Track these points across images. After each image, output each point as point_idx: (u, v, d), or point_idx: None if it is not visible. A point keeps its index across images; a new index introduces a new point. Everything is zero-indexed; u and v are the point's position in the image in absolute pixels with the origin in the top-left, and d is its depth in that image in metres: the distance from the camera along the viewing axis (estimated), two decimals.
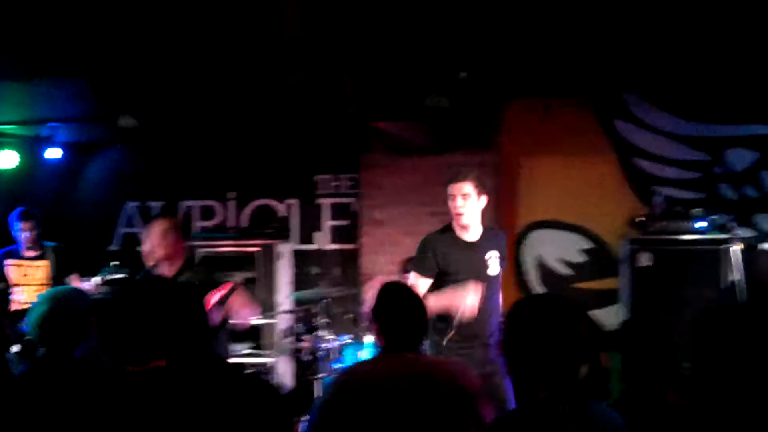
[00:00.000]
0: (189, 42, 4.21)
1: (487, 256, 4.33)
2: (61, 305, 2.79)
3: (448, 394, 2.75)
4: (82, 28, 3.79)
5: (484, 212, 4.41)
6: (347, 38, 3.59)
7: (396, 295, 2.98)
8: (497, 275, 4.38)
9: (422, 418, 2.71)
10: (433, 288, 4.33)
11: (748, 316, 2.50)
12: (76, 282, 5.92)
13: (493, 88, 5.90)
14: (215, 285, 4.35)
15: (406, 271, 6.36)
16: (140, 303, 2.18)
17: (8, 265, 6.01)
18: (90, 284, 5.79)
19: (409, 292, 3.02)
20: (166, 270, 4.50)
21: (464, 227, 4.35)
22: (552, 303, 2.25)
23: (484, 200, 4.35)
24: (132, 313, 2.17)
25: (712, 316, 2.38)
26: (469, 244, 4.36)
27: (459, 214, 4.29)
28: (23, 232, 5.88)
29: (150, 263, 4.48)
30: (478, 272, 4.28)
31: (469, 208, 4.28)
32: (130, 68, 4.00)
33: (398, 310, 2.89)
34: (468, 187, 4.27)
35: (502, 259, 4.41)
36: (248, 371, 3.15)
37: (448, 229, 4.41)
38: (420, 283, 4.29)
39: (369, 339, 5.63)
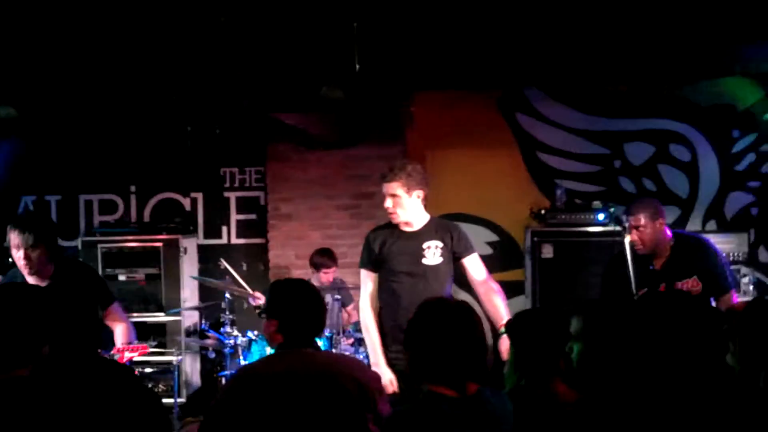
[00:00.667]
0: (81, 30, 4.04)
1: (425, 245, 4.27)
2: None
3: (345, 388, 2.72)
4: None
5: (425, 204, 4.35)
6: (242, 26, 3.52)
7: (294, 290, 2.93)
8: (436, 265, 4.28)
9: (319, 414, 2.68)
10: (380, 283, 4.35)
11: (634, 310, 2.57)
12: None
13: (397, 81, 5.89)
14: (98, 288, 4.16)
15: (313, 264, 6.34)
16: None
17: None
18: None
19: (306, 287, 2.97)
20: (34, 281, 3.94)
21: (406, 223, 4.33)
22: (451, 307, 2.40)
23: (419, 194, 4.28)
24: None
25: (598, 310, 2.43)
26: (408, 234, 4.33)
27: (391, 214, 4.29)
28: None
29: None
30: (413, 260, 4.24)
31: (401, 207, 4.24)
32: (9, 56, 3.81)
33: (297, 305, 2.84)
34: (395, 187, 4.22)
35: (448, 249, 4.31)
36: (136, 372, 3.02)
37: (391, 224, 4.38)
38: (370, 279, 4.33)
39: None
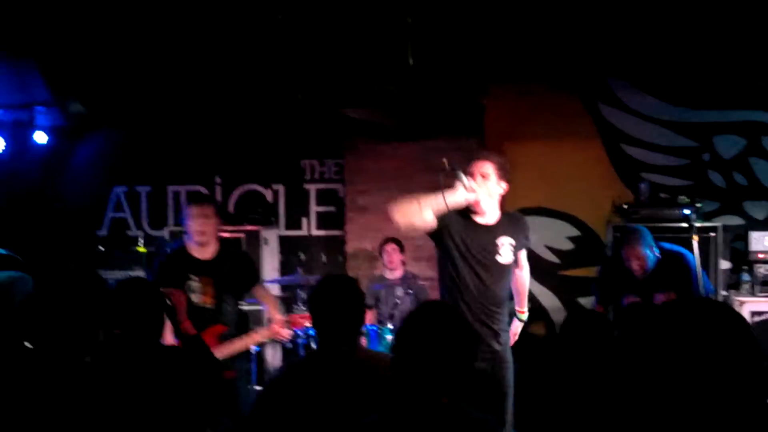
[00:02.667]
0: (154, 29, 4.17)
1: (499, 241, 4.12)
2: None
3: (382, 387, 2.70)
4: (32, 9, 3.75)
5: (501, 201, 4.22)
6: (306, 22, 3.54)
7: (333, 288, 2.90)
8: (507, 264, 4.16)
9: (356, 412, 2.67)
10: (443, 264, 4.23)
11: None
12: None
13: (475, 72, 5.82)
14: (254, 277, 4.74)
15: (384, 245, 6.32)
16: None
17: None
18: None
19: (348, 285, 2.93)
20: (201, 254, 4.57)
21: (478, 211, 4.11)
22: (439, 313, 2.27)
23: (504, 185, 4.14)
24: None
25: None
26: (483, 227, 4.15)
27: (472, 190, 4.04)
28: None
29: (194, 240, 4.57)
30: (486, 255, 4.09)
31: (487, 189, 4.05)
32: (81, 52, 3.96)
33: (333, 304, 2.82)
34: (489, 167, 4.07)
35: (517, 246, 4.19)
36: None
37: (464, 212, 4.14)
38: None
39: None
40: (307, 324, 4.84)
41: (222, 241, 4.75)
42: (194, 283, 4.51)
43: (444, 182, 3.94)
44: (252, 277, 4.80)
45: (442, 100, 5.33)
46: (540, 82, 6.65)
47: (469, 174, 4.06)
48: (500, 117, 6.65)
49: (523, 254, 4.35)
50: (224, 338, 4.49)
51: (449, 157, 4.09)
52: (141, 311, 2.82)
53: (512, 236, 4.17)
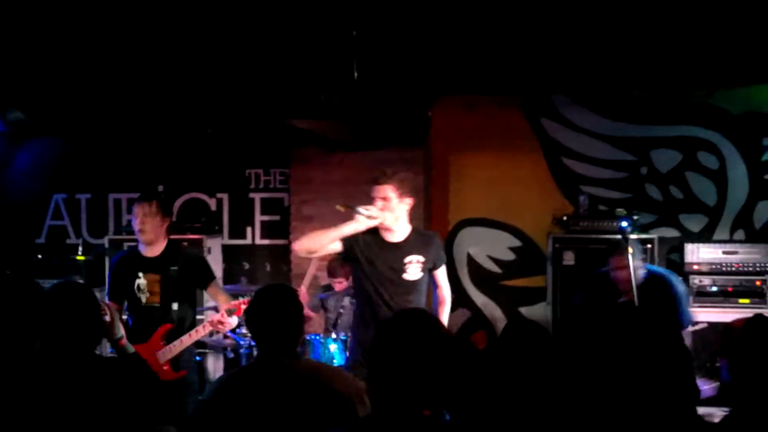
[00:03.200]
0: (96, 38, 4.11)
1: (407, 260, 4.22)
2: None
3: (323, 398, 2.72)
4: None
5: (410, 213, 4.31)
6: (252, 32, 3.54)
7: (271, 298, 2.90)
8: (416, 280, 4.23)
9: (297, 423, 2.68)
10: (356, 280, 4.33)
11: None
12: None
13: (421, 84, 5.88)
14: (205, 277, 4.69)
15: (330, 274, 6.32)
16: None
17: None
18: None
19: (285, 295, 2.93)
20: (149, 252, 4.60)
21: (387, 229, 4.25)
22: (416, 321, 2.17)
23: (408, 202, 4.25)
24: None
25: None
26: (390, 245, 4.27)
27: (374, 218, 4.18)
28: None
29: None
30: (394, 274, 4.19)
31: (390, 211, 4.18)
32: (21, 60, 3.89)
33: (271, 316, 2.82)
34: (388, 191, 4.18)
35: (427, 263, 4.28)
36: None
37: (372, 231, 4.26)
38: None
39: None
40: None
41: (171, 241, 4.75)
42: (141, 281, 4.54)
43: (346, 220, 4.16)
44: (204, 274, 4.73)
45: (388, 112, 5.38)
46: (485, 95, 6.76)
47: (372, 198, 4.20)
48: (446, 129, 6.73)
49: (441, 273, 4.42)
50: (171, 337, 4.48)
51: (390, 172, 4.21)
52: (74, 315, 2.76)
53: (421, 254, 4.26)
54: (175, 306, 4.54)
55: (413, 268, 4.23)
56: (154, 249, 4.60)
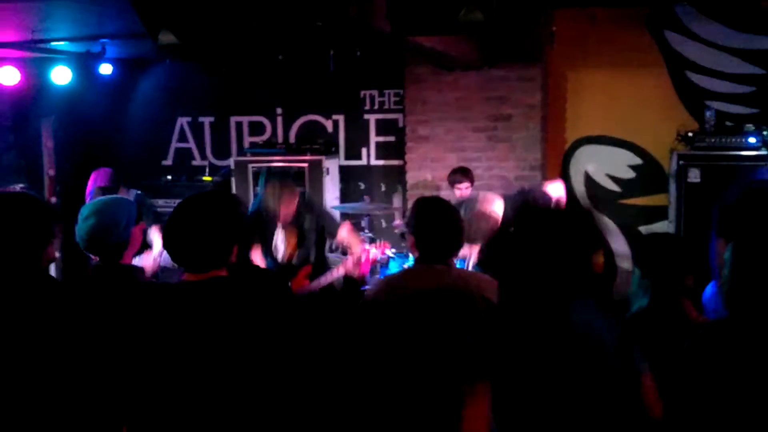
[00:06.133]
0: None
1: None
2: (106, 217, 2.90)
3: (474, 306, 2.82)
4: None
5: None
6: None
7: (432, 208, 3.03)
8: None
9: (443, 327, 2.80)
10: None
11: None
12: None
13: None
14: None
15: (449, 182, 6.36)
16: (202, 213, 2.29)
17: None
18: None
19: (445, 206, 3.06)
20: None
21: None
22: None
23: None
24: (193, 223, 2.28)
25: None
26: None
27: None
28: None
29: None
30: None
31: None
32: None
33: (433, 223, 2.94)
34: None
35: None
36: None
37: None
38: None
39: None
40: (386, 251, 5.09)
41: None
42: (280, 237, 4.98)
43: None
44: (332, 226, 5.14)
45: (516, 25, 5.28)
46: (605, 8, 6.55)
47: None
48: (564, 44, 6.57)
49: None
50: (312, 277, 4.80)
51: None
52: (19, 228, 2.45)
53: None
54: (311, 254, 5.03)
55: None
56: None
